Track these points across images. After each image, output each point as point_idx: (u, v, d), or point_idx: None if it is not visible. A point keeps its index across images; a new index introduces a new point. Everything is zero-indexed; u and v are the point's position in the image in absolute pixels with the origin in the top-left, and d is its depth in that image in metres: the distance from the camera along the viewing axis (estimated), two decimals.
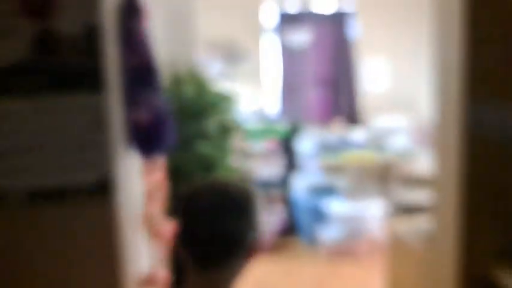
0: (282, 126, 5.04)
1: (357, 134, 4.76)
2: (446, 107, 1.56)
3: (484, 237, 1.48)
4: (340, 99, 5.26)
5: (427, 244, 1.89)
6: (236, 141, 3.56)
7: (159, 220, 1.12)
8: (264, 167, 4.84)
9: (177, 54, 3.29)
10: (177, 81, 2.96)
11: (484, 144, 1.43)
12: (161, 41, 3.08)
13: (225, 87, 3.51)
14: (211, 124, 2.76)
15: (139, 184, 1.14)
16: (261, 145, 5.03)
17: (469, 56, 1.38)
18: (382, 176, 4.69)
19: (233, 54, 5.15)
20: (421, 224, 2.12)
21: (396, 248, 2.25)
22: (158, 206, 1.17)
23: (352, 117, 5.24)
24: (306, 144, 4.83)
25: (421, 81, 5.52)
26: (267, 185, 4.68)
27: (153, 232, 1.11)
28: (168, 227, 1.01)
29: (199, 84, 3.02)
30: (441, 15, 1.56)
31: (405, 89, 5.50)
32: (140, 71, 1.05)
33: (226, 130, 2.91)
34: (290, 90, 5.28)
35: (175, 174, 2.82)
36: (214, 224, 0.91)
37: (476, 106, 1.41)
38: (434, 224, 1.76)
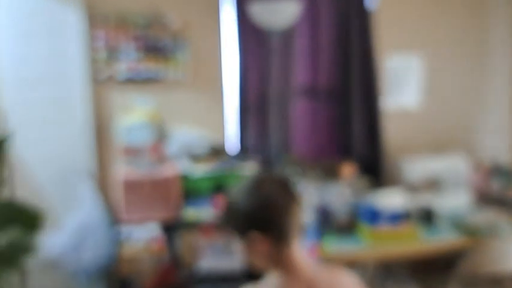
0: (245, 170, 2.74)
1: (385, 195, 2.51)
2: None
3: None
4: (351, 126, 3.02)
5: None
6: None
7: None
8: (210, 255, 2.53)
9: None
10: None
11: None
12: None
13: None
14: None
15: None
16: (207, 209, 2.69)
17: None
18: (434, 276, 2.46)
19: (157, 40, 2.83)
20: None
21: None
22: None
23: (373, 159, 3.00)
24: None
25: (476, 95, 3.37)
26: None
27: None
28: None
29: None
30: None
31: (449, 108, 3.34)
32: None
33: None
34: (257, 107, 2.98)
35: None
36: (284, 211, 1.02)
37: None
38: None
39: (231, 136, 3.04)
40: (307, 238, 2.37)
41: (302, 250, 1.08)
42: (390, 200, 2.45)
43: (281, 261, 1.04)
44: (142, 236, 2.62)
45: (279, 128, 2.95)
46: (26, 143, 2.69)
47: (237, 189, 1.06)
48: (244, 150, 2.94)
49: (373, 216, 2.41)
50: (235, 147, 3.01)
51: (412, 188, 2.79)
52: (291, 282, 1.03)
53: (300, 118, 3.05)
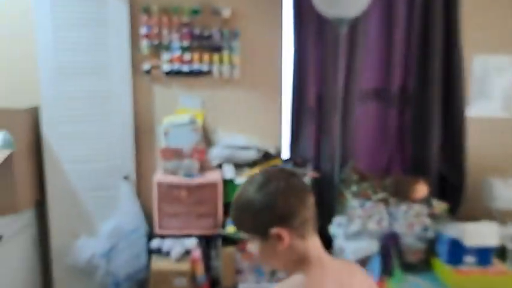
0: None
1: (470, 226, 2.02)
2: None
3: None
4: (427, 137, 2.56)
5: None
6: None
7: None
8: None
9: None
10: None
11: None
12: None
13: None
14: None
15: None
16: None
17: None
18: None
19: (205, 30, 2.52)
20: None
21: None
22: None
23: (453, 179, 2.51)
24: (348, 232, 2.16)
25: None
26: None
27: None
28: None
29: None
30: None
31: None
32: None
33: None
34: (315, 109, 2.59)
35: None
36: (301, 201, 1.00)
37: None
38: None
39: (285, 141, 2.67)
40: (369, 273, 1.96)
41: (321, 245, 1.04)
42: (477, 232, 1.97)
43: (305, 256, 1.00)
44: (178, 250, 2.33)
45: (339, 135, 2.53)
46: (60, 140, 2.47)
47: (246, 190, 1.00)
48: (299, 158, 2.56)
49: (455, 252, 1.95)
50: (288, 154, 2.64)
51: (504, 218, 2.29)
52: (318, 277, 0.99)
53: (365, 125, 2.62)
